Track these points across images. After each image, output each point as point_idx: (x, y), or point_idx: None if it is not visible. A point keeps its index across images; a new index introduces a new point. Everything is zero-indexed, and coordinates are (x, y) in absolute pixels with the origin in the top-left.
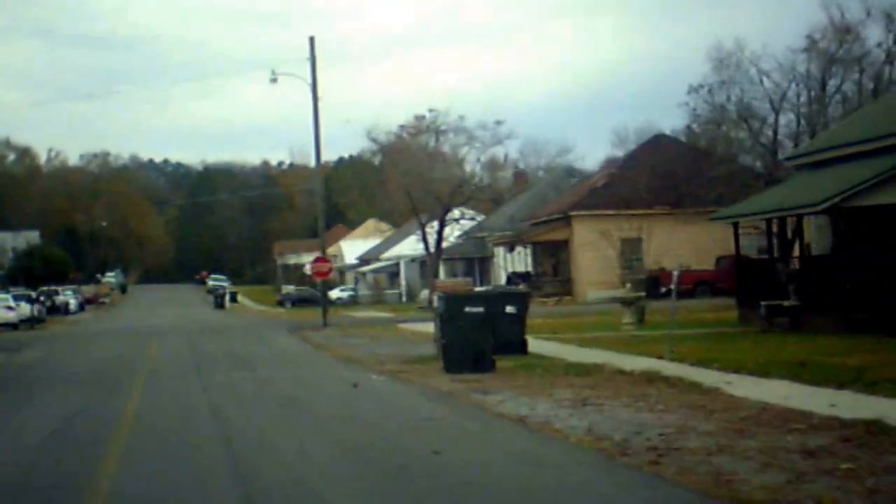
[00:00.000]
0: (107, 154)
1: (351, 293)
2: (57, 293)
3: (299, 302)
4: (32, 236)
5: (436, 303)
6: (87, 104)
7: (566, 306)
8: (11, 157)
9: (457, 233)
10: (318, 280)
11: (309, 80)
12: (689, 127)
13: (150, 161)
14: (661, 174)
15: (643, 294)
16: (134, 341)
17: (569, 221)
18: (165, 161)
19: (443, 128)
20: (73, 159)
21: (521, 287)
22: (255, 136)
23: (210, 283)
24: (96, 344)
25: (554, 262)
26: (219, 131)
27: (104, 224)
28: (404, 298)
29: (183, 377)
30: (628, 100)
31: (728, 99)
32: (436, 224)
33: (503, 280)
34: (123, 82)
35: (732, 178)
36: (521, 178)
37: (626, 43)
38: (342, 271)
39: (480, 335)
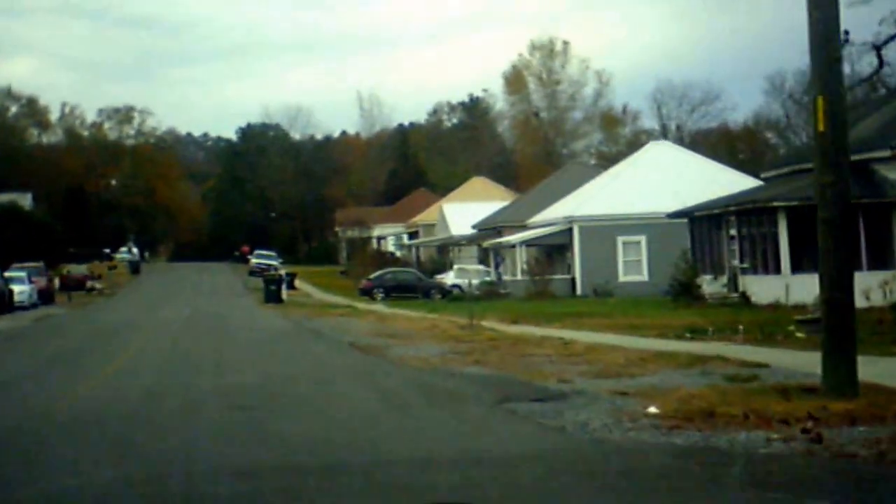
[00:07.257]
0: (131, 108)
1: (486, 280)
2: None
3: (397, 290)
4: (22, 199)
5: None
6: (127, 85)
7: None
8: (13, 109)
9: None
10: None
11: None
12: None
13: (188, 134)
14: None
15: None
16: None
17: None
18: (205, 135)
19: None
20: (91, 117)
21: None
22: (299, 116)
23: (253, 260)
24: None
25: None
26: (261, 111)
27: (112, 182)
28: (579, 289)
29: None
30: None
31: None
32: None
33: None
34: (166, 64)
35: None
36: None
37: None
38: (445, 246)
39: None
